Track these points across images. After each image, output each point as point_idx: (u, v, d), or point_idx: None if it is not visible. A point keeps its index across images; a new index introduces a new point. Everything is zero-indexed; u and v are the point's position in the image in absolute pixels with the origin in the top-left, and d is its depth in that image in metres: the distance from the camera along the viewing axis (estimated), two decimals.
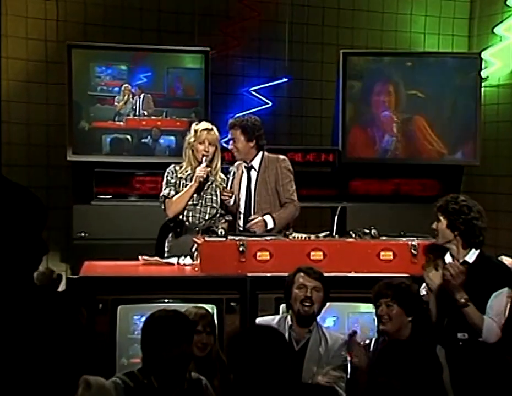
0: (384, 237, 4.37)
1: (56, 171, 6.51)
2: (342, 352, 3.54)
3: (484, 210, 3.65)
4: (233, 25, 6.96)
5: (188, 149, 4.75)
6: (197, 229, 4.65)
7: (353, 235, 4.38)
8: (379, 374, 2.48)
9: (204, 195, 4.75)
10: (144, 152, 6.33)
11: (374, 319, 3.58)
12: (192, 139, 4.71)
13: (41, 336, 1.61)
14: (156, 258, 4.47)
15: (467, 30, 7.61)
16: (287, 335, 3.37)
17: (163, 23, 6.88)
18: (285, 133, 7.23)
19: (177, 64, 6.46)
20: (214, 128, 4.76)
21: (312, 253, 4.14)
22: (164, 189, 4.74)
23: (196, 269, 4.19)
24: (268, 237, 4.31)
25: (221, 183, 4.79)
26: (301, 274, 3.59)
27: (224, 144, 5.71)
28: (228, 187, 4.79)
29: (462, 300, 3.46)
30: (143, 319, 3.32)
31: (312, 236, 4.37)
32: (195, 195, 4.71)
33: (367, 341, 3.56)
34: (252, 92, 7.05)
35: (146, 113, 6.31)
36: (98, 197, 6.24)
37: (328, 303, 3.64)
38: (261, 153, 4.91)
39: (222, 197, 4.74)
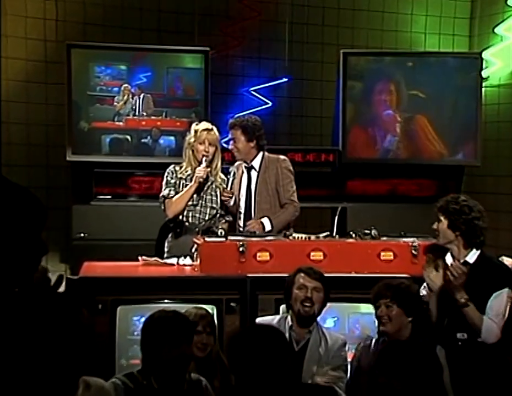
0: (384, 238, 4.36)
1: (56, 171, 6.50)
2: (341, 352, 3.55)
3: (484, 211, 3.65)
4: (233, 25, 6.95)
5: (187, 150, 4.74)
6: (197, 229, 4.64)
7: (354, 236, 4.37)
8: (379, 375, 2.48)
9: (204, 195, 4.74)
10: (144, 152, 6.32)
11: (374, 320, 3.57)
12: (192, 140, 4.70)
13: (41, 337, 1.61)
14: (156, 258, 4.46)
15: (467, 30, 7.60)
16: (287, 335, 3.36)
17: (163, 23, 6.88)
18: (285, 134, 7.22)
19: (177, 64, 6.44)
20: (215, 129, 4.74)
21: (312, 253, 4.14)
22: (164, 189, 4.73)
23: (196, 269, 4.19)
24: (268, 238, 4.31)
25: (221, 184, 4.77)
26: (302, 274, 3.58)
27: (224, 145, 5.70)
28: (228, 188, 4.78)
29: (463, 300, 3.45)
30: (143, 319, 3.31)
31: (313, 237, 4.36)
32: (195, 195, 4.69)
33: (367, 342, 3.55)
34: (252, 92, 7.04)
35: (145, 113, 6.30)
36: (98, 197, 6.23)
37: (328, 304, 3.63)
38: (261, 153, 4.91)
39: (222, 197, 4.73)
